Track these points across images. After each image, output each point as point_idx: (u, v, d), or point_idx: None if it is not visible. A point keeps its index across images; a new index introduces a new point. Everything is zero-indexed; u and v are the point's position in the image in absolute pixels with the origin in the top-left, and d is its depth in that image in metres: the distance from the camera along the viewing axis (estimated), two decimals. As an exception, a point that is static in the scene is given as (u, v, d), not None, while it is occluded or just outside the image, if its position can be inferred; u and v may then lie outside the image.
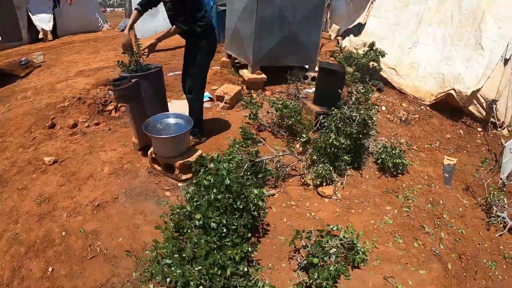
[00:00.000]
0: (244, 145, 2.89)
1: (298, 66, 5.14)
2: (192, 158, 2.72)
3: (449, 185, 3.37)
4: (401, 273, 2.22)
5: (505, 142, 3.51)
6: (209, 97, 4.32)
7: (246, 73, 4.72)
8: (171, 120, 2.85)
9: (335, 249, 1.86)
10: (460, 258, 2.51)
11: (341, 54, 6.19)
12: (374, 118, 3.04)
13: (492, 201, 2.94)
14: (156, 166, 2.87)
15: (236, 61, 5.33)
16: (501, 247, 2.67)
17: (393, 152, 3.37)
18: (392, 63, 5.89)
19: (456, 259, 2.48)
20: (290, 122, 3.41)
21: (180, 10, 2.60)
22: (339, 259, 1.84)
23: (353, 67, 5.62)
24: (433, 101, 4.95)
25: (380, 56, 5.60)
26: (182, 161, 2.67)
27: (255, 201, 1.95)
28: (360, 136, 3.15)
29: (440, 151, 4.04)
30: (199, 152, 2.80)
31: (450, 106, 4.90)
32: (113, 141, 3.36)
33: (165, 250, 1.59)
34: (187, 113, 3.06)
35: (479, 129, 4.49)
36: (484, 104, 4.35)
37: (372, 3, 6.89)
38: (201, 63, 2.91)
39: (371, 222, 2.68)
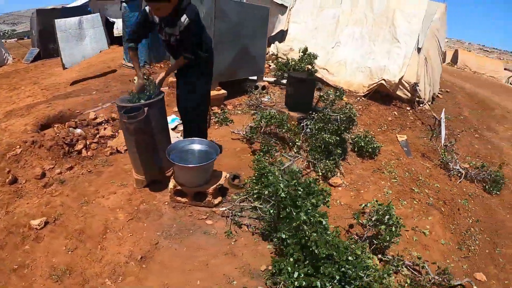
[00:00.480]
0: (266, 157, 3.33)
1: (249, 78, 5.79)
2: (222, 181, 2.99)
3: (410, 156, 4.56)
4: (419, 223, 3.12)
5: (438, 116, 4.96)
6: (178, 120, 4.50)
7: (206, 90, 5.07)
8: (194, 147, 3.03)
9: (388, 216, 2.54)
10: (445, 203, 3.60)
11: (278, 61, 7.16)
12: (357, 115, 3.94)
13: (446, 160, 4.20)
14: (179, 198, 2.96)
15: (186, 79, 5.59)
16: (464, 189, 3.92)
17: (367, 139, 4.35)
18: (322, 63, 7.15)
19: (443, 204, 3.56)
20: (284, 130, 4.00)
21: (189, 42, 2.75)
22: (397, 222, 2.52)
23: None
24: (367, 92, 6.33)
25: (313, 59, 6.80)
26: (215, 186, 2.89)
27: (326, 198, 2.41)
28: (346, 131, 4.00)
29: (390, 131, 5.32)
30: (224, 174, 3.07)
31: (380, 94, 6.36)
32: (105, 184, 3.21)
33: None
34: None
35: (408, 108, 6.04)
36: (408, 87, 5.91)
37: (290, 10, 8.16)
38: (206, 85, 3.20)
39: (379, 195, 3.52)
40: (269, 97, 5.92)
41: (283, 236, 2.16)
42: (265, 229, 2.69)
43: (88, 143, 3.81)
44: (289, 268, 1.85)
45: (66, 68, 5.81)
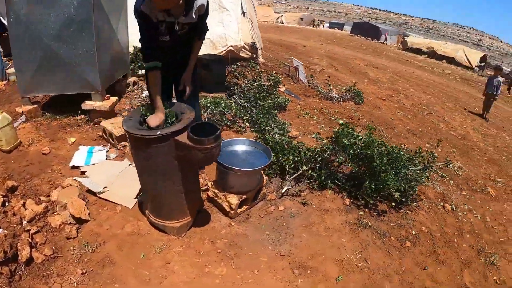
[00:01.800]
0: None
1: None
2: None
3: (300, 99, 5.94)
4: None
5: (292, 65, 6.50)
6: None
7: (97, 104, 4.10)
8: (237, 148, 2.97)
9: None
10: (351, 119, 5.29)
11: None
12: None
13: (325, 93, 5.90)
14: (239, 210, 2.82)
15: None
16: (348, 107, 5.81)
17: (279, 97, 5.29)
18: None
19: (351, 120, 5.24)
20: (233, 111, 4.22)
21: (204, 21, 2.58)
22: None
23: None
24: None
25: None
26: (266, 177, 3.04)
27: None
28: (272, 93, 4.76)
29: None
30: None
31: (226, 58, 7.23)
32: (139, 266, 2.38)
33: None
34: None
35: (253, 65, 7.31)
36: (248, 48, 7.08)
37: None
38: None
39: (322, 132, 4.66)
40: (147, 91, 5.49)
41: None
42: (318, 185, 3.32)
43: (30, 240, 2.50)
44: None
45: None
